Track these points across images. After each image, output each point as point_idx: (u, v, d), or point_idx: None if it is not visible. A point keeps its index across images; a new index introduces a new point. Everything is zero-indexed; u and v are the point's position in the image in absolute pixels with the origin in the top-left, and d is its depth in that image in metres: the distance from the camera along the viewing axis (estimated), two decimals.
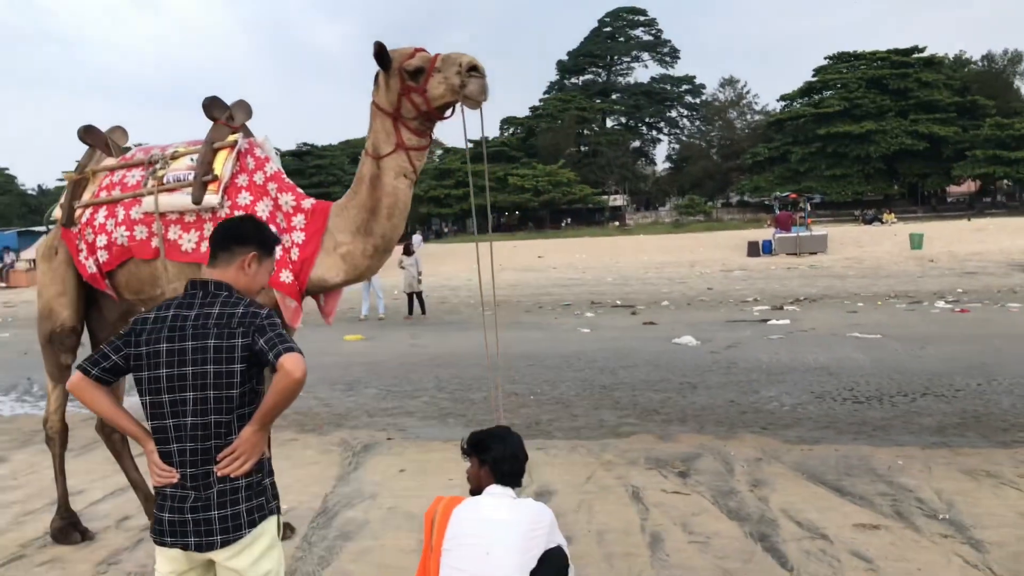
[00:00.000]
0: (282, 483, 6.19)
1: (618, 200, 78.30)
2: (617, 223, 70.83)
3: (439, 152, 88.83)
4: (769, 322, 15.47)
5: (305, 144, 71.97)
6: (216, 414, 2.60)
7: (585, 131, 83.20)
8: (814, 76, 72.22)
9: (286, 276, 4.49)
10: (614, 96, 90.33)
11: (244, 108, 4.90)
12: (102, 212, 4.85)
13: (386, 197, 4.40)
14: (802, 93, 72.74)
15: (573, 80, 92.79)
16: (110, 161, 5.07)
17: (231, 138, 4.70)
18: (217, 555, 2.62)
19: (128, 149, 5.35)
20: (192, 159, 4.68)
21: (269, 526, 2.70)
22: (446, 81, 4.15)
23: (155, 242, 4.65)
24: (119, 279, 4.85)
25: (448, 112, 4.33)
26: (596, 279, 27.83)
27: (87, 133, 5.14)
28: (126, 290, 4.88)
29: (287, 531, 5.09)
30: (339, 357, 13.45)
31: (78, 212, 4.96)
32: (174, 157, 4.77)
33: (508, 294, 23.95)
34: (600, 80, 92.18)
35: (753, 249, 33.57)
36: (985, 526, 4.92)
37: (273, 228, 4.56)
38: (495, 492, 3.22)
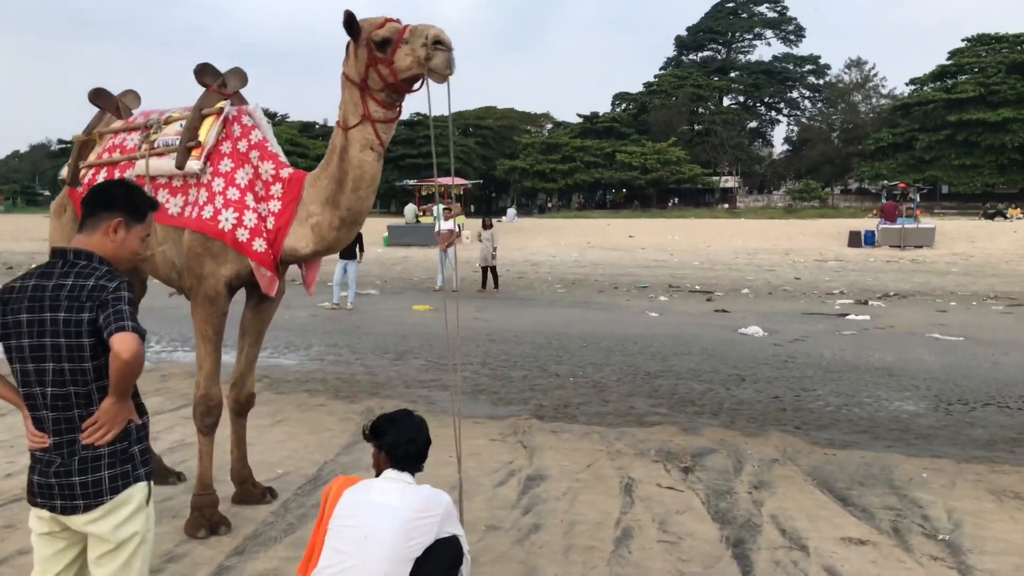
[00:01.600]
0: (288, 448, 6.43)
1: (730, 182, 75.99)
2: (727, 205, 68.91)
3: (548, 126, 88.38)
4: (847, 317, 14.77)
5: (417, 114, 72.71)
6: (73, 385, 2.61)
7: (700, 109, 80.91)
8: (948, 59, 67.79)
9: (259, 245, 4.52)
10: (732, 74, 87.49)
11: (238, 75, 4.93)
12: (103, 173, 5.01)
13: (352, 170, 4.34)
14: (934, 77, 68.40)
15: (691, 56, 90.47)
16: (116, 124, 5.22)
17: (219, 105, 4.75)
18: (80, 519, 2.64)
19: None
20: (182, 124, 4.75)
21: (135, 492, 2.70)
22: (412, 53, 4.04)
23: None
24: None
25: (416, 85, 4.22)
26: (682, 262, 27.15)
27: (97, 96, 5.29)
28: None
29: (267, 496, 5.19)
30: (401, 327, 13.63)
31: (82, 172, 5.14)
32: (167, 122, 4.86)
33: (588, 273, 23.70)
34: (719, 57, 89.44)
35: (854, 239, 31.90)
36: (985, 551, 4.56)
37: (251, 196, 4.60)
38: (390, 476, 3.16)
